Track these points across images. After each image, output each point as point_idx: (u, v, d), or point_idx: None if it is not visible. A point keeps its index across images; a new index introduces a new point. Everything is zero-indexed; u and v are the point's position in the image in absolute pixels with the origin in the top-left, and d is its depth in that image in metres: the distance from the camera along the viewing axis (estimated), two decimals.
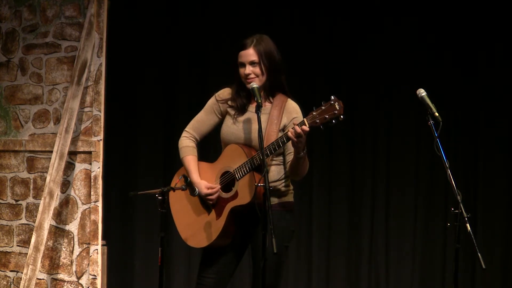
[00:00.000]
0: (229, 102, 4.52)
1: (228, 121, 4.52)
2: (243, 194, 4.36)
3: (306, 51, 7.13)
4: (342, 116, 4.17)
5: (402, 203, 7.19)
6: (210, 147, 4.91)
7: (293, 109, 4.50)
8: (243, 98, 4.49)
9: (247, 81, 4.43)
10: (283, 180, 4.48)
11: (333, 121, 4.18)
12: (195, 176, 4.50)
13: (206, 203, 4.49)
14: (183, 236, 4.58)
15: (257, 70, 4.43)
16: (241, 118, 4.49)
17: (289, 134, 4.21)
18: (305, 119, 4.21)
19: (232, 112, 4.51)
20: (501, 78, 7.06)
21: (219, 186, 4.44)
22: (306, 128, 4.19)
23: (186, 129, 4.61)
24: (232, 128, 4.49)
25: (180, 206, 4.58)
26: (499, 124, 7.07)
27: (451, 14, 7.09)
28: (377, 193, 7.19)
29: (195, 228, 4.52)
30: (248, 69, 4.42)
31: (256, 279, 4.41)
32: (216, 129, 4.59)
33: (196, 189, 4.44)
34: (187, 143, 4.57)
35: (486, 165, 7.11)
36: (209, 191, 4.44)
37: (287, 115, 4.48)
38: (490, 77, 7.07)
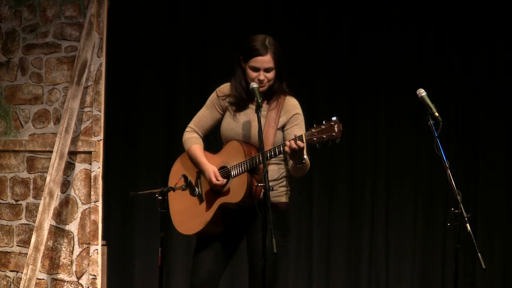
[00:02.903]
0: (229, 99, 4.53)
1: (227, 117, 4.54)
2: (235, 192, 4.38)
3: (306, 50, 7.13)
4: (338, 140, 4.19)
5: (402, 203, 7.19)
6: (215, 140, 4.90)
7: (292, 106, 4.51)
8: (243, 94, 4.50)
9: (259, 86, 4.44)
10: (279, 180, 4.49)
11: (330, 142, 4.20)
12: (203, 160, 4.50)
13: (200, 193, 4.49)
14: (174, 221, 4.60)
15: (270, 75, 4.44)
16: (241, 115, 4.50)
17: (285, 148, 4.23)
18: (303, 134, 4.23)
19: (231, 108, 4.52)
20: (501, 78, 7.06)
21: (224, 181, 4.44)
22: (301, 144, 4.21)
23: (188, 125, 4.64)
24: (232, 124, 4.51)
25: (173, 193, 4.58)
26: (499, 124, 7.07)
27: (451, 14, 7.09)
28: (377, 193, 7.19)
29: (185, 216, 4.55)
30: (262, 75, 4.43)
31: (252, 280, 4.43)
32: (219, 124, 4.60)
33: (196, 189, 4.46)
34: (190, 135, 4.60)
35: (486, 165, 7.11)
36: (214, 179, 4.43)
37: (286, 113, 4.49)
38: (490, 77, 7.07)
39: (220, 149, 4.59)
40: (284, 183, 4.53)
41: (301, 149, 4.21)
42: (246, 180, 4.34)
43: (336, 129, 4.19)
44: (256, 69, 4.44)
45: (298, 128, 4.47)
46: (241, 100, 4.50)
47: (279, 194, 4.50)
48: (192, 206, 4.53)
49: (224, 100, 4.55)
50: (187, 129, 4.63)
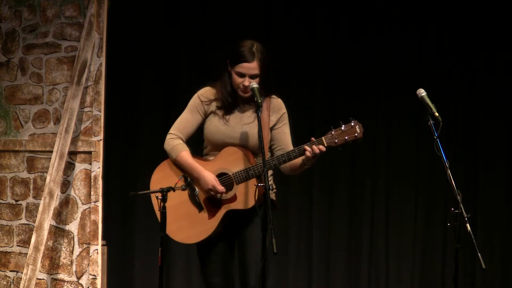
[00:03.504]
0: (216, 103, 4.54)
1: (214, 120, 4.53)
2: (243, 199, 4.37)
3: (306, 50, 7.13)
4: (362, 140, 4.24)
5: (402, 203, 7.19)
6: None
7: (279, 105, 4.56)
8: (230, 97, 4.51)
9: (243, 92, 4.45)
10: (269, 178, 4.51)
11: (352, 143, 4.24)
12: (199, 168, 4.47)
13: (196, 200, 4.47)
14: (168, 230, 4.54)
15: (255, 81, 4.45)
16: (231, 118, 4.51)
17: (307, 153, 4.25)
18: (323, 138, 4.28)
19: (219, 112, 4.52)
20: (501, 78, 7.05)
21: (224, 189, 4.43)
22: (323, 148, 4.25)
23: (170, 131, 4.60)
24: (222, 128, 4.51)
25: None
26: (499, 124, 7.06)
27: (451, 14, 7.09)
28: (377, 193, 7.19)
29: (182, 224, 4.50)
30: (248, 81, 4.44)
31: (243, 278, 4.43)
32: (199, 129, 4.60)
33: (196, 189, 4.44)
34: (175, 142, 4.56)
35: (486, 165, 7.11)
36: (218, 187, 4.41)
37: (275, 113, 4.54)
38: (490, 77, 7.07)
39: (199, 152, 4.57)
40: (272, 181, 4.55)
41: (322, 153, 4.24)
42: (252, 187, 4.33)
43: (358, 129, 4.25)
44: (242, 75, 4.46)
45: (286, 126, 4.55)
46: (228, 103, 4.51)
47: (271, 192, 4.51)
48: (190, 215, 4.49)
49: (208, 105, 4.56)
50: (170, 136, 4.58)
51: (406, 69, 7.11)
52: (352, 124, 4.26)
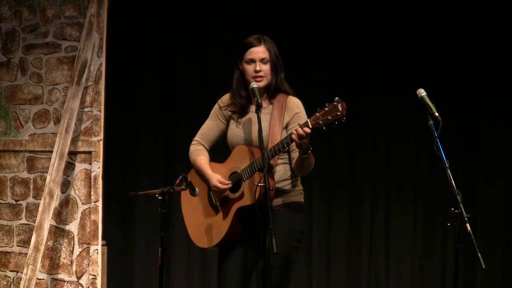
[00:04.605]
0: (230, 107, 4.54)
1: (232, 125, 4.55)
2: (249, 195, 4.36)
3: (306, 51, 7.13)
4: (344, 118, 4.16)
5: (402, 203, 7.18)
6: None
7: (294, 105, 4.51)
8: (243, 99, 4.51)
9: (255, 79, 4.43)
10: (291, 180, 4.48)
11: (336, 122, 4.17)
12: (208, 171, 4.51)
13: (213, 203, 4.49)
14: (193, 237, 4.59)
15: (267, 68, 4.45)
16: (243, 120, 4.50)
17: (293, 136, 4.21)
18: (308, 120, 4.21)
19: (234, 116, 4.53)
20: (501, 79, 7.05)
21: (230, 184, 4.43)
22: (308, 130, 4.18)
23: (194, 138, 4.65)
24: (236, 131, 4.52)
25: (190, 207, 4.59)
26: (499, 125, 7.06)
27: (451, 15, 7.09)
28: (377, 193, 7.19)
29: (203, 229, 4.53)
30: (259, 66, 4.43)
31: (265, 279, 4.42)
32: (225, 135, 4.61)
33: (196, 189, 4.44)
34: (195, 148, 4.61)
35: (485, 165, 7.11)
36: (219, 184, 4.43)
37: (289, 112, 4.48)
38: (490, 77, 7.07)
39: (224, 160, 4.59)
40: (295, 182, 4.50)
41: (308, 135, 4.19)
42: (258, 180, 4.32)
43: (340, 108, 4.16)
44: (252, 61, 4.44)
45: None
46: (242, 107, 4.51)
47: (292, 192, 4.48)
48: (208, 219, 4.51)
49: (226, 110, 4.56)
50: (193, 142, 4.64)
51: (406, 69, 7.11)
52: (335, 103, 4.16)
